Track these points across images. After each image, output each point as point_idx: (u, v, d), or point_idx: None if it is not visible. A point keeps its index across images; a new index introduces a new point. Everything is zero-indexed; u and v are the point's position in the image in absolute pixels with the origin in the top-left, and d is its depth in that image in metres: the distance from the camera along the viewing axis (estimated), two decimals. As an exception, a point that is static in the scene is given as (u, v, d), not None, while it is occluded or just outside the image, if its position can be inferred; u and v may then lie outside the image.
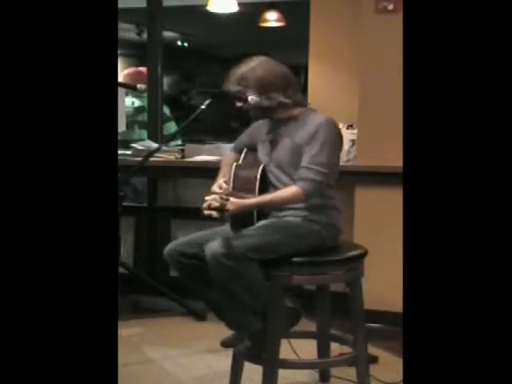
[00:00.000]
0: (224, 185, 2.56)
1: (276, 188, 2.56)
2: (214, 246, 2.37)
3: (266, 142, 2.65)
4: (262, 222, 2.50)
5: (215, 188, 2.59)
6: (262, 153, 2.66)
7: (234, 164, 2.66)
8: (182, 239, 2.58)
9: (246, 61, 2.60)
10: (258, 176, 2.57)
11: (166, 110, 4.79)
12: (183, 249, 2.50)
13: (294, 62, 3.29)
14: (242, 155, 2.75)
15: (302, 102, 2.63)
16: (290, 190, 2.48)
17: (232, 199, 2.40)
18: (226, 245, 2.35)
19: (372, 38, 3.45)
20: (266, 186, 2.59)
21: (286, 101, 2.55)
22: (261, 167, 2.60)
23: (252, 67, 2.57)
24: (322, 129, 2.49)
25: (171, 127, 4.78)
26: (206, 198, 2.42)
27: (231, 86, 2.59)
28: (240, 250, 2.34)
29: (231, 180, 2.58)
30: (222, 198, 2.37)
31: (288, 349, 2.56)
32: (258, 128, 2.73)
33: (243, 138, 2.82)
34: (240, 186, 2.56)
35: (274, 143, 2.61)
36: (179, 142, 4.62)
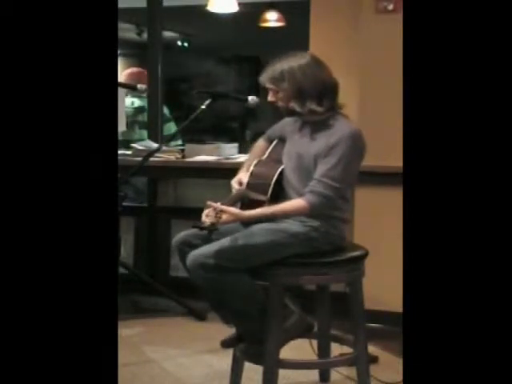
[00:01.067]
0: (244, 179, 2.57)
1: (285, 191, 2.54)
2: (192, 257, 2.37)
3: (290, 141, 2.62)
4: (257, 227, 2.47)
5: (234, 183, 2.60)
6: (285, 152, 2.62)
7: (256, 160, 2.65)
8: (191, 230, 2.54)
9: (288, 57, 2.51)
10: (274, 178, 2.54)
11: (166, 111, 4.79)
12: (190, 239, 2.50)
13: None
14: (271, 147, 2.73)
15: (335, 108, 2.53)
16: (294, 204, 2.44)
17: (230, 209, 2.36)
18: (205, 255, 2.35)
19: (372, 38, 3.45)
20: (281, 187, 2.56)
21: (318, 109, 2.47)
22: (280, 168, 2.58)
23: (292, 68, 2.47)
24: (342, 142, 2.41)
25: (171, 127, 4.77)
26: (208, 202, 2.36)
27: (266, 82, 2.53)
28: (217, 260, 2.33)
29: (247, 177, 2.57)
30: (216, 214, 2.32)
31: (288, 349, 2.55)
32: (289, 124, 2.68)
33: (277, 128, 2.76)
34: (255, 186, 2.55)
35: (296, 144, 2.57)
36: (179, 142, 4.62)
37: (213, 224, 2.31)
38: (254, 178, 2.57)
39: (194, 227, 2.36)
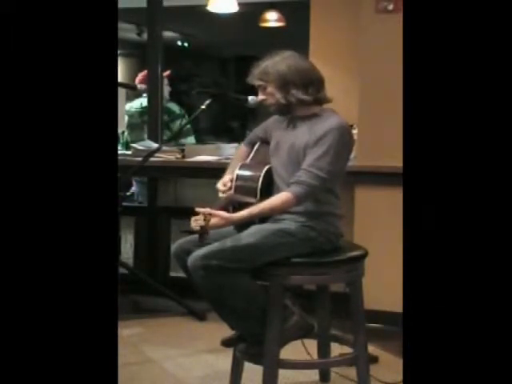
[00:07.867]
0: (228, 183, 2.56)
1: (278, 188, 2.53)
2: (193, 258, 2.37)
3: (278, 138, 2.61)
4: (255, 227, 2.47)
5: (219, 185, 2.59)
6: (272, 149, 2.62)
7: (239, 163, 2.64)
8: (189, 237, 2.54)
9: (271, 55, 2.55)
10: (261, 178, 2.53)
11: (175, 108, 4.79)
12: (188, 247, 2.49)
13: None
14: (254, 150, 2.72)
15: (324, 100, 2.55)
16: (280, 198, 2.43)
17: (220, 213, 2.36)
18: (206, 256, 2.34)
19: (372, 38, 3.45)
20: (269, 187, 2.55)
21: (306, 98, 2.49)
22: (265, 168, 2.56)
23: (275, 62, 2.52)
24: (330, 133, 2.42)
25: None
26: (197, 209, 2.35)
27: (254, 80, 2.56)
28: (218, 261, 2.33)
29: (233, 181, 2.56)
30: (205, 217, 2.30)
31: (288, 349, 2.55)
32: (275, 123, 2.68)
33: (258, 131, 2.78)
34: (242, 189, 2.53)
35: (285, 141, 2.56)
36: (191, 139, 4.65)
37: (202, 227, 2.30)
38: (241, 182, 2.55)
39: (182, 232, 2.35)
